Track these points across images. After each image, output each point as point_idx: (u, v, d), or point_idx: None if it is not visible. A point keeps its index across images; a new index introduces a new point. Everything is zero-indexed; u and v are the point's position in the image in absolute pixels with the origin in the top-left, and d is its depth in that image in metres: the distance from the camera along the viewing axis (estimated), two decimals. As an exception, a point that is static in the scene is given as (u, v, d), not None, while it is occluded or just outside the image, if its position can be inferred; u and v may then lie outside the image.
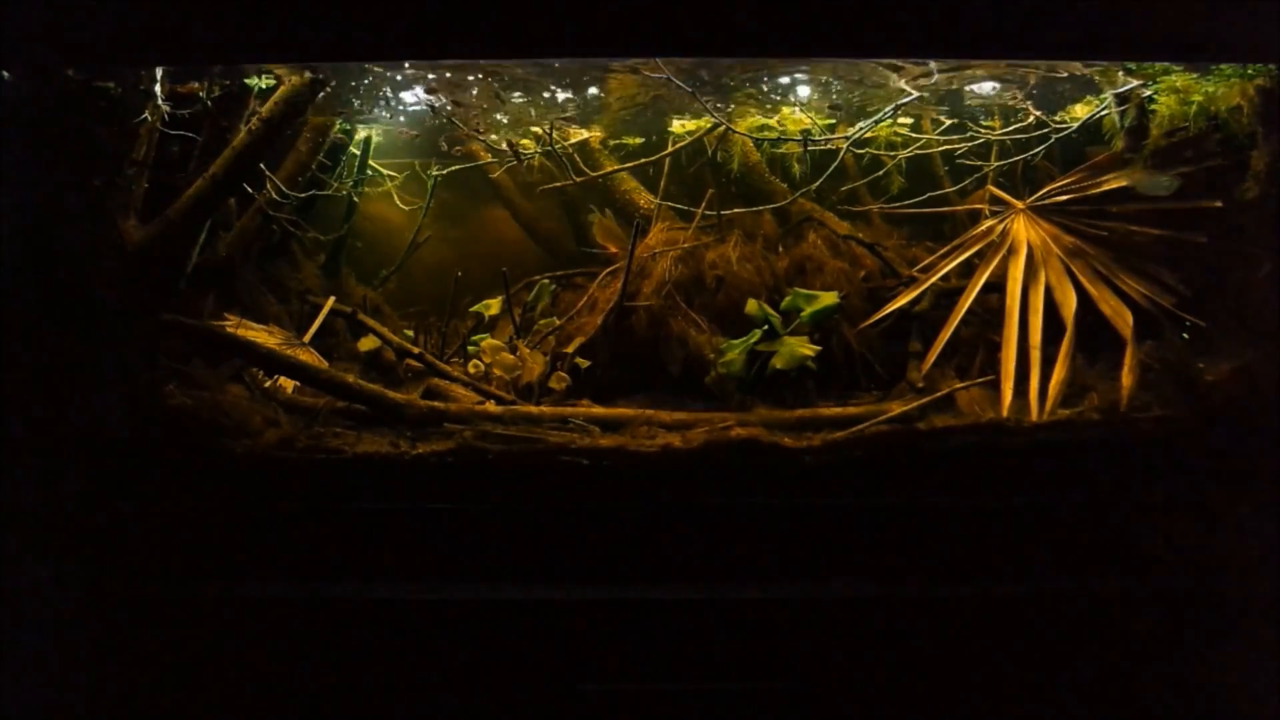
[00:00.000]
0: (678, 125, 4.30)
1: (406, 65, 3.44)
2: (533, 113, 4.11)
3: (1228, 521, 2.95)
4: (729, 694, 2.83)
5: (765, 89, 3.82)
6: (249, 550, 3.01)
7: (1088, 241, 3.62)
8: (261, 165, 3.80)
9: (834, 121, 4.18)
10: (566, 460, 3.08)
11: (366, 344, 4.15)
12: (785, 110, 4.14)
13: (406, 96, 3.96)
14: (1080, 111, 3.95)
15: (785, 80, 3.75)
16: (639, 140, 4.68)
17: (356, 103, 4.01)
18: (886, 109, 3.81)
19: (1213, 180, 3.45)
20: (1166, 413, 3.14)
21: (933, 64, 3.32)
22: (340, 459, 3.09)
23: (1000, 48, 2.88)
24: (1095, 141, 3.84)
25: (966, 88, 3.83)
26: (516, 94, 3.84)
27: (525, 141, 4.45)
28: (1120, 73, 3.43)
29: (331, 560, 3.00)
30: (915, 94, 3.64)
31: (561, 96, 3.87)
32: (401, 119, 4.27)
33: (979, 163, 4.15)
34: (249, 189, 3.91)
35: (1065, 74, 3.59)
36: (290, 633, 2.88)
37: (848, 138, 3.93)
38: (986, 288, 3.65)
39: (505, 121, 4.33)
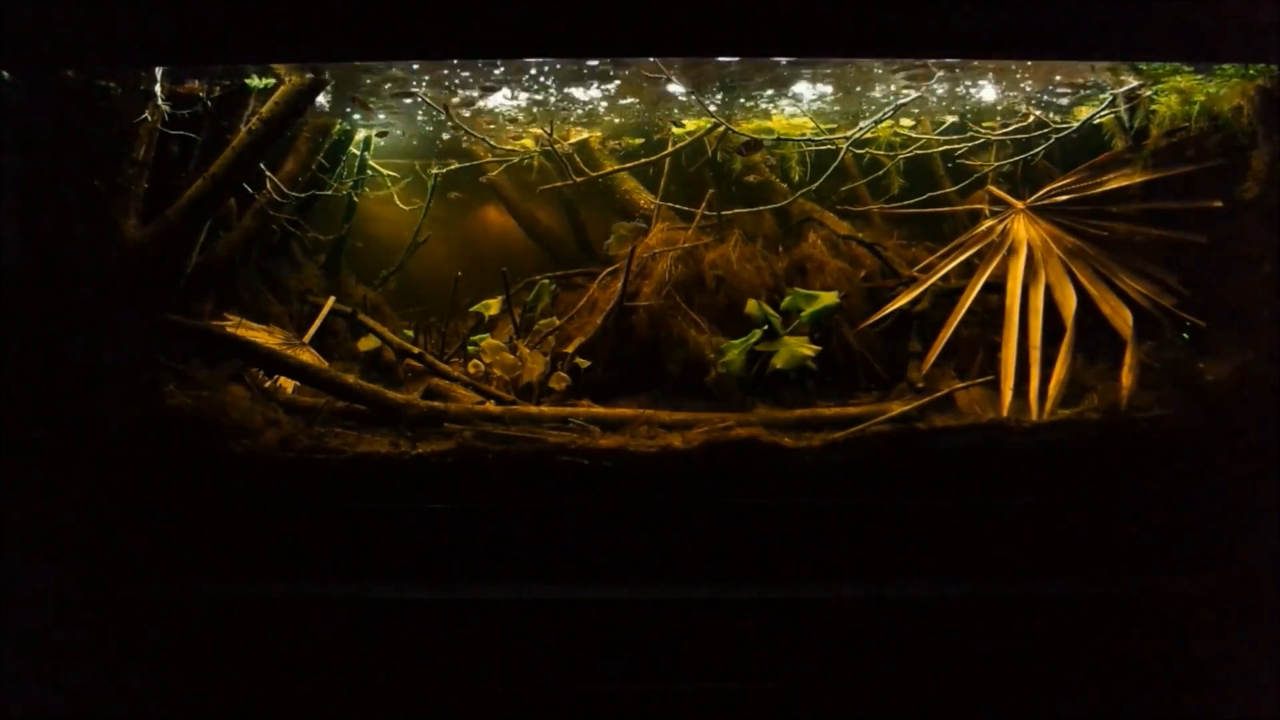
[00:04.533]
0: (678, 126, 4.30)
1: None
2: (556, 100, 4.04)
3: (1228, 521, 2.95)
4: (729, 694, 2.83)
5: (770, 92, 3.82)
6: (249, 550, 3.01)
7: (1088, 241, 3.62)
8: (261, 165, 3.80)
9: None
10: (566, 460, 3.08)
11: (366, 344, 4.15)
12: (777, 118, 4.15)
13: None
14: (1081, 113, 3.94)
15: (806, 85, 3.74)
16: (638, 141, 4.68)
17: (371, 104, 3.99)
18: (887, 109, 3.81)
19: (1212, 180, 3.45)
20: (1166, 413, 3.14)
21: (932, 64, 3.32)
22: (340, 459, 3.09)
23: (1001, 47, 2.88)
24: (1094, 142, 3.84)
25: (971, 91, 3.83)
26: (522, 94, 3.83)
27: (526, 142, 4.45)
28: (1128, 74, 3.43)
29: (331, 560, 3.00)
30: (915, 93, 3.63)
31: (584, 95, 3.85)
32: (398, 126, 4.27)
33: (979, 163, 4.15)
34: (249, 189, 3.91)
35: (1067, 85, 3.59)
36: (290, 633, 2.88)
37: (848, 138, 3.93)
38: (986, 288, 3.65)
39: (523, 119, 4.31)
